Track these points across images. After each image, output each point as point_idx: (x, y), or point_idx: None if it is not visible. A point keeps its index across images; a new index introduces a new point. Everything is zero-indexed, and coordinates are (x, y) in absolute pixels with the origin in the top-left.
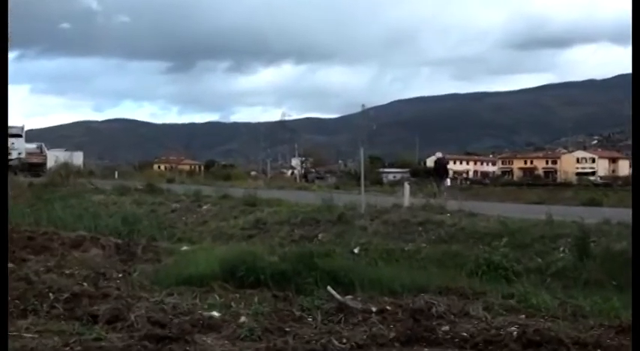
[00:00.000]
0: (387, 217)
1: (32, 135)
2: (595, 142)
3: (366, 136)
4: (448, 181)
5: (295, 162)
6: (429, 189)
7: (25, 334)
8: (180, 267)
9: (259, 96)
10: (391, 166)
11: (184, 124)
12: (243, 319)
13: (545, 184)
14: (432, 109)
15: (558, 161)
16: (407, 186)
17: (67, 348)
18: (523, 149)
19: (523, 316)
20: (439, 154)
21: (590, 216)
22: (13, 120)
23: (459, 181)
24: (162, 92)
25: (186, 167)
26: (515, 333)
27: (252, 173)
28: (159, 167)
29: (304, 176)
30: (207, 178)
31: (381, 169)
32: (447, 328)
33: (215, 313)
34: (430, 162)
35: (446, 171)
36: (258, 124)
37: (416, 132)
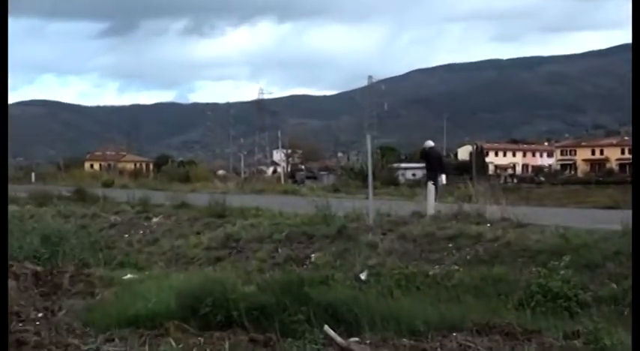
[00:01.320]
0: (404, 229)
1: None
2: None
3: (375, 120)
4: (443, 178)
5: (278, 156)
6: (463, 191)
7: None
8: (122, 302)
9: (228, 67)
10: (410, 160)
11: (126, 106)
12: None
13: (621, 182)
14: (465, 82)
15: None
16: (431, 187)
17: None
18: (590, 134)
19: None
20: (430, 143)
21: None
22: None
23: (502, 179)
24: (94, 64)
25: (130, 166)
26: None
27: (220, 173)
28: (92, 166)
29: (291, 176)
30: (159, 181)
31: (397, 165)
32: None
33: None
34: (463, 153)
35: (441, 165)
36: (228, 105)
37: (443, 113)
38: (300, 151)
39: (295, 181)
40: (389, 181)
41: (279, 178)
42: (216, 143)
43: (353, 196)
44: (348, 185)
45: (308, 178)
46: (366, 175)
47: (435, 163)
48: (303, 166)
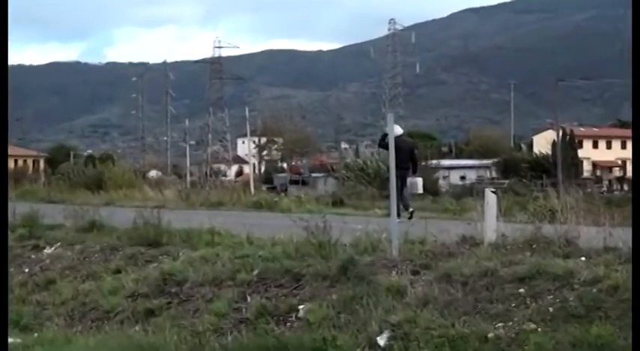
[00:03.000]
0: (448, 265)
1: None
2: None
3: (400, 90)
4: (419, 184)
5: (246, 149)
6: (541, 204)
7: None
8: None
9: (167, 4)
10: (458, 153)
11: None
12: None
13: None
14: (543, 29)
15: None
16: (491, 197)
17: None
18: None
19: None
20: (399, 130)
21: None
22: None
23: (605, 185)
24: None
25: (9, 164)
26: None
27: (153, 174)
28: None
29: (267, 180)
30: (55, 187)
31: (436, 162)
32: None
33: None
34: (541, 143)
35: (414, 163)
36: (165, 66)
37: (508, 78)
38: (280, 141)
39: (273, 189)
40: (424, 188)
41: (247, 184)
42: (146, 128)
43: (365, 211)
44: (356, 195)
45: (293, 182)
46: (386, 179)
47: (403, 159)
48: (285, 165)
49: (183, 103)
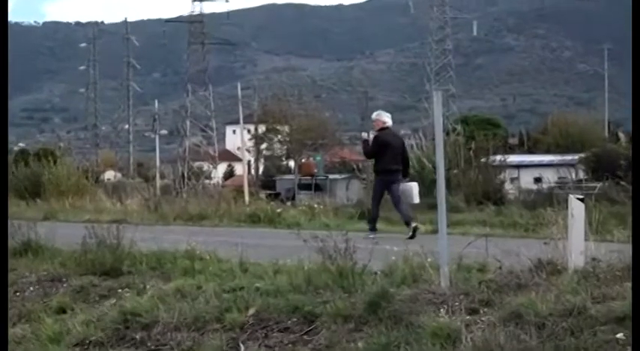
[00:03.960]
0: (517, 302)
1: None
2: None
3: (450, 59)
4: (415, 192)
5: (236, 141)
6: None
7: None
8: None
9: None
10: (531, 147)
11: None
12: None
13: None
14: None
15: None
16: (578, 206)
17: None
18: None
19: None
20: (386, 118)
21: None
22: None
23: None
24: None
25: None
26: None
27: (110, 176)
28: None
29: (266, 183)
30: None
31: (501, 158)
32: None
33: None
34: None
35: (405, 162)
36: (124, 26)
37: (600, 42)
38: (285, 130)
39: (276, 196)
40: (484, 194)
41: (239, 189)
42: (99, 113)
43: (403, 227)
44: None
45: (303, 187)
46: (432, 182)
47: (395, 158)
48: (291, 163)
49: (151, 79)
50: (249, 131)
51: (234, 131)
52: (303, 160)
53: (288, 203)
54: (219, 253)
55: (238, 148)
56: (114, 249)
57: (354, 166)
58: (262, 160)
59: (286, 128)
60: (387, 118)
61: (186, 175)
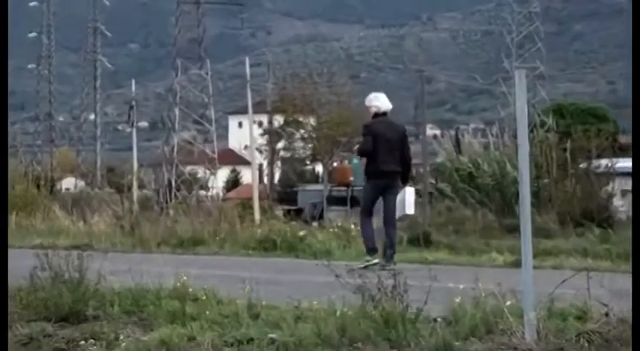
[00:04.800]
0: None
1: None
2: None
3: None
4: (411, 199)
5: (243, 135)
6: None
7: None
8: None
9: None
10: None
11: None
12: None
13: None
14: None
15: None
16: None
17: None
18: None
19: None
20: (383, 101)
21: None
22: None
23: None
24: None
25: None
26: None
27: (69, 185)
28: None
29: (285, 197)
30: None
31: (604, 162)
32: None
33: None
34: None
35: (405, 161)
36: None
37: None
38: (310, 122)
39: (297, 213)
40: (584, 214)
41: (247, 204)
42: (55, 97)
43: (473, 257)
44: (457, 224)
45: (335, 201)
46: (513, 196)
47: (392, 155)
48: (319, 167)
49: (127, 51)
50: (260, 124)
51: (240, 124)
52: (334, 165)
53: (315, 223)
54: (219, 291)
55: (246, 148)
56: (75, 285)
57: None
58: (279, 164)
59: (312, 120)
60: (381, 102)
61: (174, 183)
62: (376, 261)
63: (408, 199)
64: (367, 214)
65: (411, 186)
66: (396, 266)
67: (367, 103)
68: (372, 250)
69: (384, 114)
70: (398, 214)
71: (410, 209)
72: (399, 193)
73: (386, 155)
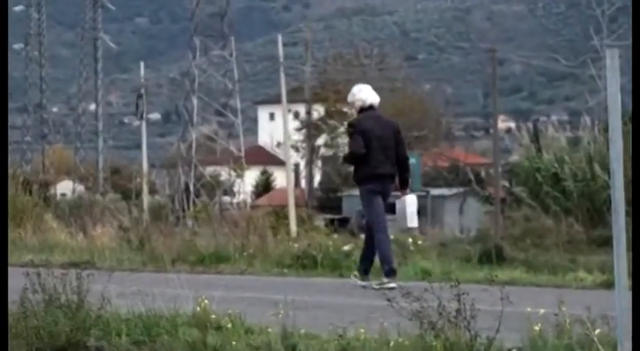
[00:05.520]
0: None
1: None
2: None
3: None
4: (413, 210)
5: (275, 129)
6: None
7: None
8: None
9: None
10: None
11: None
12: None
13: None
14: None
15: None
16: None
17: None
18: None
19: None
20: (369, 94)
21: None
22: None
23: None
24: None
25: None
26: None
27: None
28: None
29: (327, 205)
30: None
31: None
32: None
33: None
34: None
35: (402, 162)
36: None
37: None
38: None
39: (341, 223)
40: None
41: (280, 212)
42: (49, 84)
43: (555, 276)
44: (536, 237)
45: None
46: (605, 202)
47: (386, 155)
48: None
49: (133, 27)
50: (296, 115)
51: (271, 115)
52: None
53: (362, 236)
54: (247, 317)
55: (279, 144)
56: (73, 311)
57: (471, 176)
58: (319, 164)
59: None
60: (365, 94)
61: (192, 188)
62: (394, 285)
63: (409, 209)
64: (382, 228)
65: (411, 193)
66: (395, 285)
67: (350, 98)
68: (392, 272)
69: (371, 107)
70: (398, 226)
71: (413, 222)
72: (399, 202)
73: (380, 155)
